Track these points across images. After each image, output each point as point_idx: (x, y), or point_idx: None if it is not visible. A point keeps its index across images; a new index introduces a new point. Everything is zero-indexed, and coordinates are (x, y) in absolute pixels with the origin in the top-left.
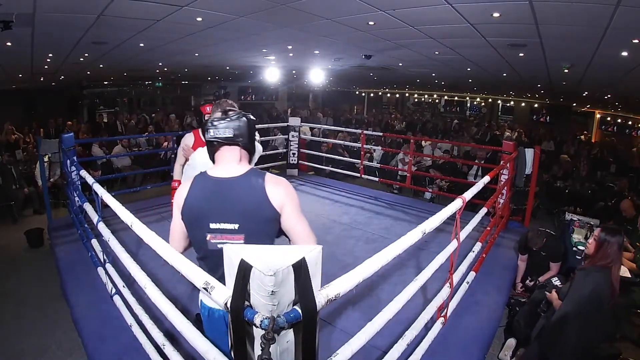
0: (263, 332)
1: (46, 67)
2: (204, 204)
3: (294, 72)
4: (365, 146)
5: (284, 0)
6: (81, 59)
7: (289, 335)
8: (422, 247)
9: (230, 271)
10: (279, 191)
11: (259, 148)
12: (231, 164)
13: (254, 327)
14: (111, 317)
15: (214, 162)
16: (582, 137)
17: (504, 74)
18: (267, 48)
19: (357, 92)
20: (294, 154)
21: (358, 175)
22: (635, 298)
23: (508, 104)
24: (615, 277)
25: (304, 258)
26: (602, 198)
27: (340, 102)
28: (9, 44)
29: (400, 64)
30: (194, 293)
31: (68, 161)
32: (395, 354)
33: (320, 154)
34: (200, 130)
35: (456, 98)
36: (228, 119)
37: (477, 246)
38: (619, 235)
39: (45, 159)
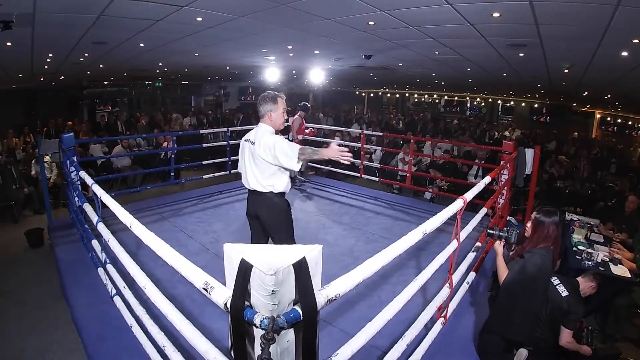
0: (263, 332)
1: (46, 67)
2: None
3: (294, 72)
4: (365, 146)
5: (284, 0)
6: (81, 59)
7: (289, 335)
8: (423, 247)
9: (231, 271)
10: None
11: None
12: None
13: (254, 327)
14: (111, 318)
15: None
16: (576, 134)
17: (504, 74)
18: (267, 48)
19: (357, 92)
20: None
21: (358, 175)
22: (635, 298)
23: (508, 104)
24: (555, 256)
25: (304, 257)
26: (602, 198)
27: (340, 102)
28: (9, 44)
29: (400, 64)
30: (193, 293)
31: (68, 161)
32: (395, 354)
33: None
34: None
35: (456, 98)
36: None
37: (477, 246)
38: (555, 215)
39: (46, 159)
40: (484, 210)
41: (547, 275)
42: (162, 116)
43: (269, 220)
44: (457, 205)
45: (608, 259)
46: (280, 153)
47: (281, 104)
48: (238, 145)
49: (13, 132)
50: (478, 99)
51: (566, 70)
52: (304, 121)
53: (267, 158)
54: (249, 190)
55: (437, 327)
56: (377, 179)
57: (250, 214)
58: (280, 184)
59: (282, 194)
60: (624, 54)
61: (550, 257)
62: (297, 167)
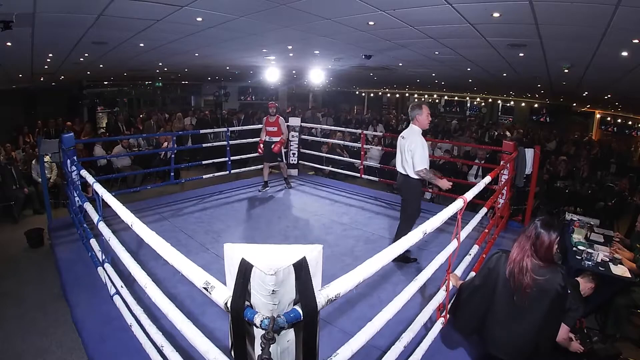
0: (263, 332)
1: (46, 67)
2: None
3: (294, 72)
4: (365, 146)
5: (284, 0)
6: (81, 59)
7: (289, 335)
8: (423, 247)
9: (231, 271)
10: None
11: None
12: None
13: (254, 327)
14: (111, 317)
15: None
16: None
17: (504, 74)
18: (267, 48)
19: (357, 92)
20: (294, 154)
21: (358, 175)
22: (635, 298)
23: (508, 104)
24: (514, 262)
25: (304, 257)
26: (602, 198)
27: (340, 102)
28: (9, 44)
29: (400, 64)
30: (194, 293)
31: (68, 161)
32: (395, 354)
33: (321, 154)
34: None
35: (456, 98)
36: None
37: (477, 246)
38: (536, 227)
39: (46, 159)
40: (484, 210)
41: (497, 279)
42: (160, 115)
43: (404, 194)
44: (458, 205)
45: (608, 259)
46: (416, 159)
47: (425, 110)
48: (238, 145)
49: (11, 146)
50: (478, 99)
51: (566, 70)
52: (269, 121)
53: (410, 150)
54: (398, 171)
55: (437, 327)
56: (377, 179)
57: (398, 189)
58: (412, 171)
59: (417, 178)
60: (624, 54)
61: (505, 261)
62: (415, 172)
